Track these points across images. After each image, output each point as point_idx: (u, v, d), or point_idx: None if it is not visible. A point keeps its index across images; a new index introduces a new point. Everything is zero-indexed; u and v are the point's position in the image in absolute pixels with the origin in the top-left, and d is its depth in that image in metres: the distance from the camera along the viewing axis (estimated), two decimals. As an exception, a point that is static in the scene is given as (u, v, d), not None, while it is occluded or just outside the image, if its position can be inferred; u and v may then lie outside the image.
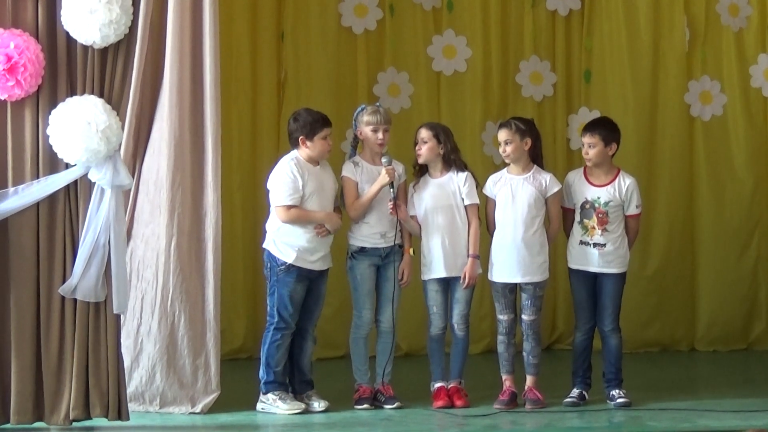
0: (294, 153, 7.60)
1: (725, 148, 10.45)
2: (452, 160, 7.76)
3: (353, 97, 9.77)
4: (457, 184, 7.74)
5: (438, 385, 7.76)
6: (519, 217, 7.67)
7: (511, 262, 7.69)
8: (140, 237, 7.46)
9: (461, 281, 7.67)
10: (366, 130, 7.73)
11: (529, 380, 7.74)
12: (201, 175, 7.42)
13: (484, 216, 7.83)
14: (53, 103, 6.76)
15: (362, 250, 7.70)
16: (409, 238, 7.80)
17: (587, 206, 7.79)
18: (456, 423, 7.30)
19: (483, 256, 7.79)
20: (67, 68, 6.81)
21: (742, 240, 10.40)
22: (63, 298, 6.78)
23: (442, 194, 7.73)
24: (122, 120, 6.87)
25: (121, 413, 6.89)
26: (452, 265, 7.68)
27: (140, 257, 7.45)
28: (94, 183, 6.78)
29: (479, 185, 7.81)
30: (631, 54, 10.37)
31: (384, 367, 7.73)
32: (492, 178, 7.83)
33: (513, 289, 7.79)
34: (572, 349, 7.99)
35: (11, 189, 6.75)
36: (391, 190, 7.62)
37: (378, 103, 8.19)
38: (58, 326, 6.81)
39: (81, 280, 6.76)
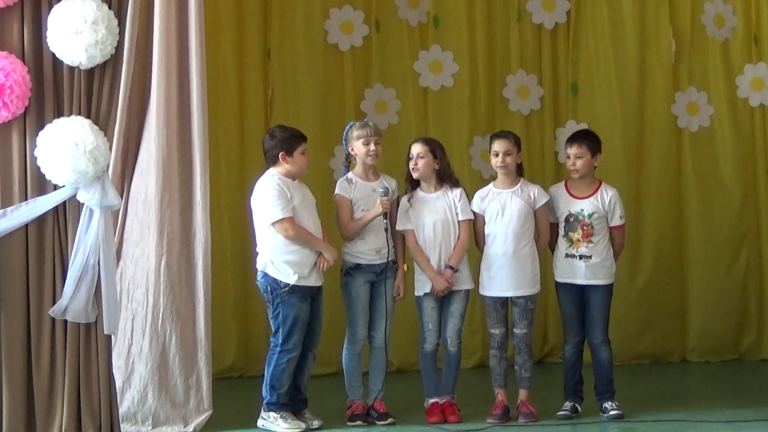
0: (271, 171, 7.57)
1: (713, 159, 10.45)
2: (446, 176, 7.78)
3: (341, 114, 9.78)
4: (452, 199, 7.74)
5: (432, 401, 7.74)
6: (509, 230, 7.68)
7: (502, 276, 7.69)
8: (130, 257, 7.44)
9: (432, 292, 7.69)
10: (357, 145, 7.72)
11: (522, 394, 7.73)
12: (190, 194, 7.41)
13: (472, 232, 7.83)
14: (40, 125, 6.76)
15: (358, 266, 7.68)
16: (402, 254, 7.80)
17: (571, 219, 7.79)
18: (449, 438, 7.31)
19: (473, 271, 7.80)
20: (53, 89, 6.81)
21: (732, 250, 10.40)
22: (53, 319, 6.77)
23: (438, 210, 7.73)
24: (110, 140, 6.86)
25: (113, 434, 6.89)
26: (447, 280, 7.71)
27: (130, 277, 7.43)
28: (83, 204, 6.77)
29: (469, 200, 7.82)
30: (617, 66, 10.38)
31: (377, 383, 7.72)
32: (479, 194, 7.83)
33: (504, 303, 7.79)
34: (563, 363, 7.98)
35: (-1, 211, 6.75)
36: (385, 221, 7.62)
37: (366, 119, 8.17)
38: (49, 348, 6.79)
39: (71, 301, 6.75)
